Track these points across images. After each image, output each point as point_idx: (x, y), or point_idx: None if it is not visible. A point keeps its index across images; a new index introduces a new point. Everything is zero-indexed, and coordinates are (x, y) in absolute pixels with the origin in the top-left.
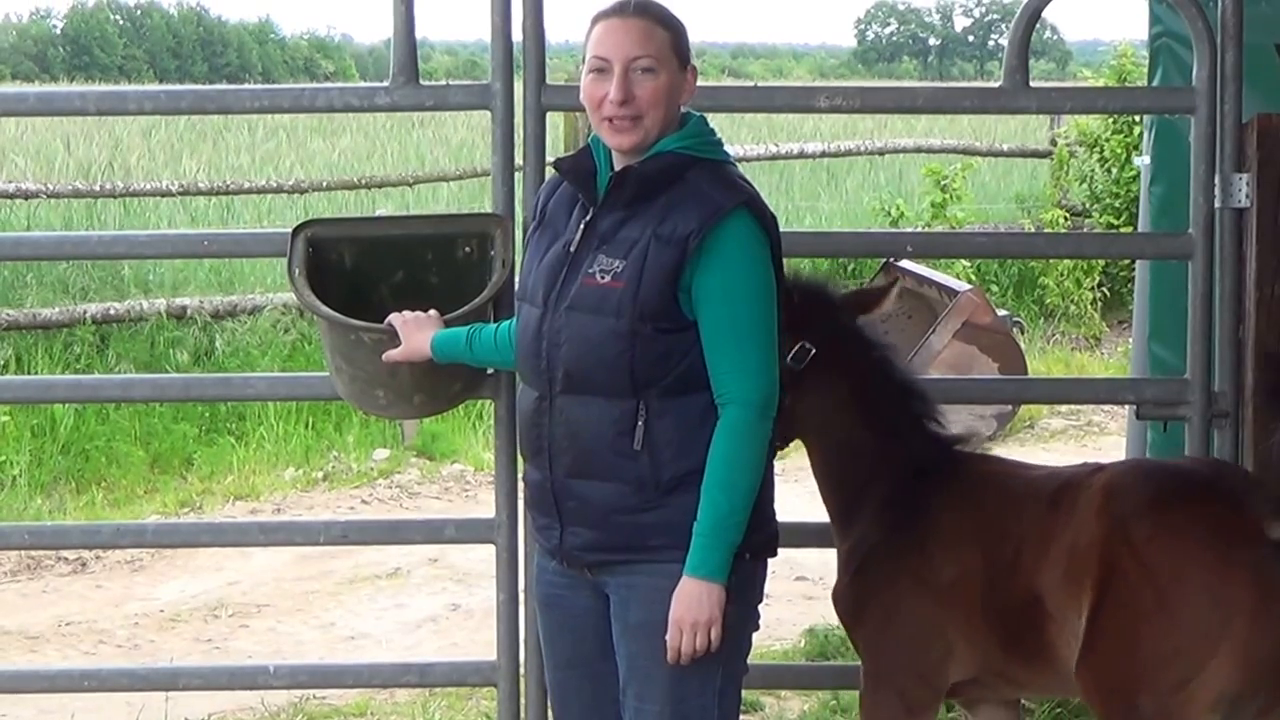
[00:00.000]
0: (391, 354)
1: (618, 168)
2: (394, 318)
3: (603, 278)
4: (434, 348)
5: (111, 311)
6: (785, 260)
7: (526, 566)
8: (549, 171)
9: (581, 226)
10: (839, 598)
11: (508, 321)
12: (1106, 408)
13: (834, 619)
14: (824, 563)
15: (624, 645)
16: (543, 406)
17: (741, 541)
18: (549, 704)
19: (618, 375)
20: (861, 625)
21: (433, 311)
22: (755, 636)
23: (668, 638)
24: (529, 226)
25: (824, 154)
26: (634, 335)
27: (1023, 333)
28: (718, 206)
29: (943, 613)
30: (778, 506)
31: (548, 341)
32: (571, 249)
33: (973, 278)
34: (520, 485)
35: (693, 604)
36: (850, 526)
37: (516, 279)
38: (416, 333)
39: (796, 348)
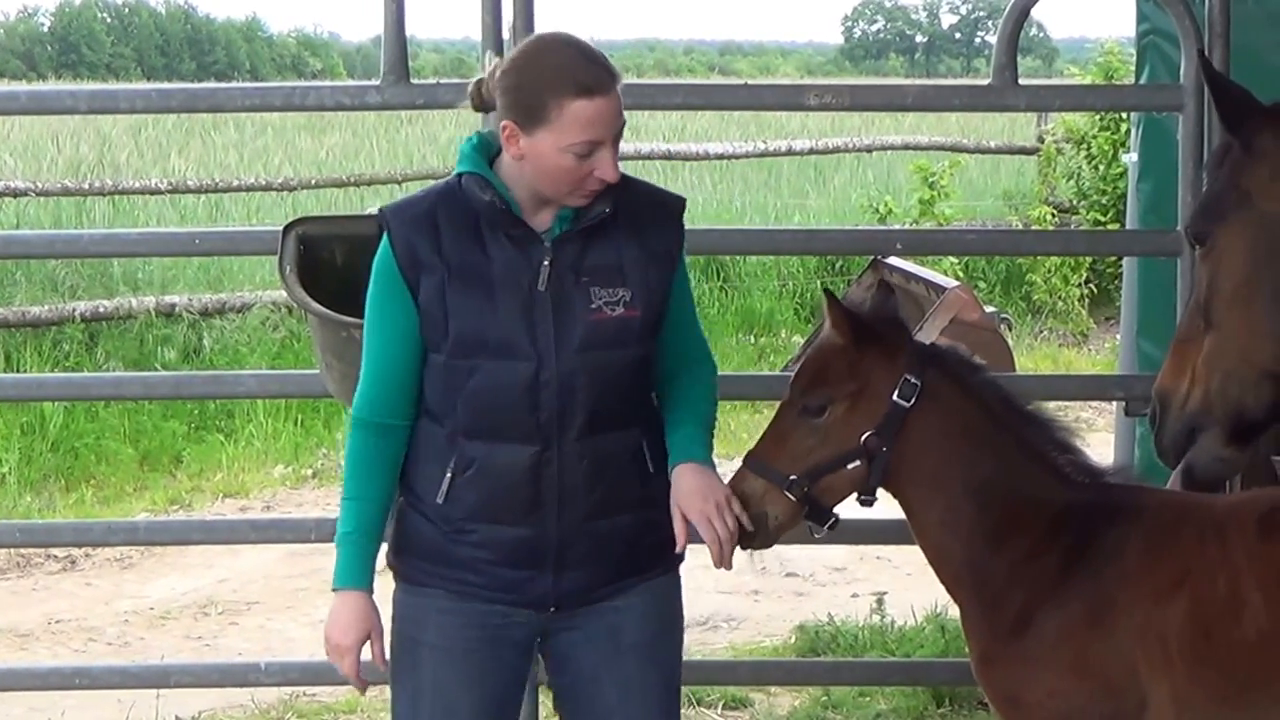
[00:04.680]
0: (347, 671)
1: (535, 203)
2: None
3: (612, 310)
4: (364, 586)
5: (100, 309)
6: (781, 260)
7: None
8: None
9: (547, 263)
10: (990, 670)
11: (370, 474)
12: (1094, 404)
13: (824, 615)
14: (812, 559)
15: (615, 671)
16: (546, 458)
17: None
18: None
19: (634, 403)
20: (1032, 695)
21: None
22: (746, 632)
23: (694, 519)
24: (417, 277)
25: (812, 151)
26: (646, 358)
27: (1010, 329)
28: (676, 210)
29: (1135, 660)
30: None
31: (557, 388)
32: (541, 287)
33: (960, 274)
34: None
35: (714, 485)
36: (988, 586)
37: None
38: (351, 629)
39: (900, 383)
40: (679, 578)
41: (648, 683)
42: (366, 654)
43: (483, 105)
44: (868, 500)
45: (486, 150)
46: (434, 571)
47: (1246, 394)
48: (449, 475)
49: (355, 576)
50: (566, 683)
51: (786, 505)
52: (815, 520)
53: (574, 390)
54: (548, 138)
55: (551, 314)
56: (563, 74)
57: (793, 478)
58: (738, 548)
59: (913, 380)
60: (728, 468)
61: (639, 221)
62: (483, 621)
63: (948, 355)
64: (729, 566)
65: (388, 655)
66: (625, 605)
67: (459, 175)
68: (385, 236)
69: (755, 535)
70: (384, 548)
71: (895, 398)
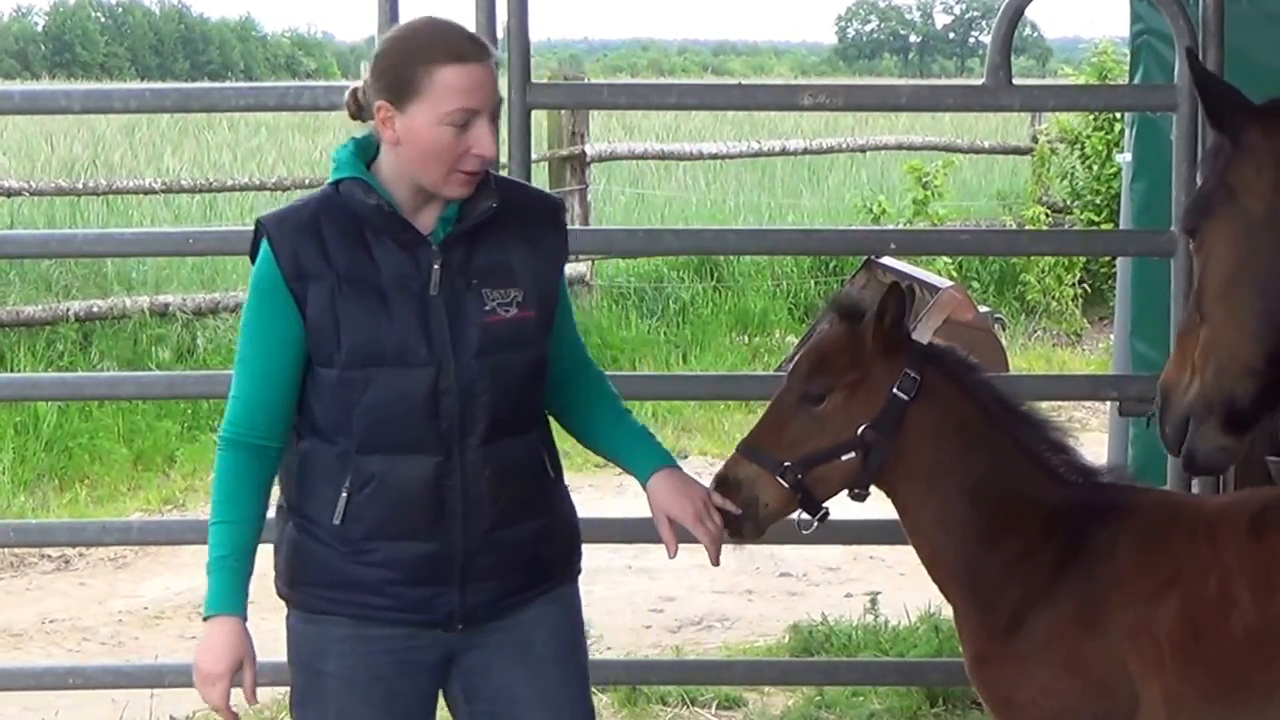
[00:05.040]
0: (217, 700)
1: (416, 203)
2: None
3: (506, 311)
4: (239, 611)
5: (94, 309)
6: (775, 260)
7: None
8: (535, 170)
9: (437, 267)
10: (984, 670)
11: (236, 499)
12: (1088, 404)
13: (818, 614)
14: (806, 558)
15: (535, 687)
16: (448, 468)
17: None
18: None
19: (534, 406)
20: (1025, 694)
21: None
22: (739, 631)
23: (688, 523)
24: (304, 288)
25: (806, 151)
26: (542, 359)
27: (1004, 329)
28: (557, 211)
29: (1127, 659)
30: None
31: (458, 395)
32: (433, 292)
33: (954, 274)
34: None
35: (695, 486)
36: (982, 585)
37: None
38: (224, 656)
39: (901, 377)
40: (578, 587)
41: (573, 696)
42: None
43: (359, 113)
44: (860, 495)
45: (363, 155)
46: (333, 597)
47: (1236, 385)
48: (345, 494)
49: (229, 602)
50: (483, 709)
51: (779, 492)
52: (807, 511)
53: (474, 395)
54: (422, 110)
55: (446, 319)
56: (433, 43)
57: (787, 464)
58: (731, 544)
59: (913, 375)
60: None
61: (523, 221)
62: (387, 647)
63: (945, 354)
64: (718, 563)
65: (261, 685)
66: (532, 619)
67: (336, 183)
68: (266, 247)
69: (744, 523)
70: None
71: (895, 391)
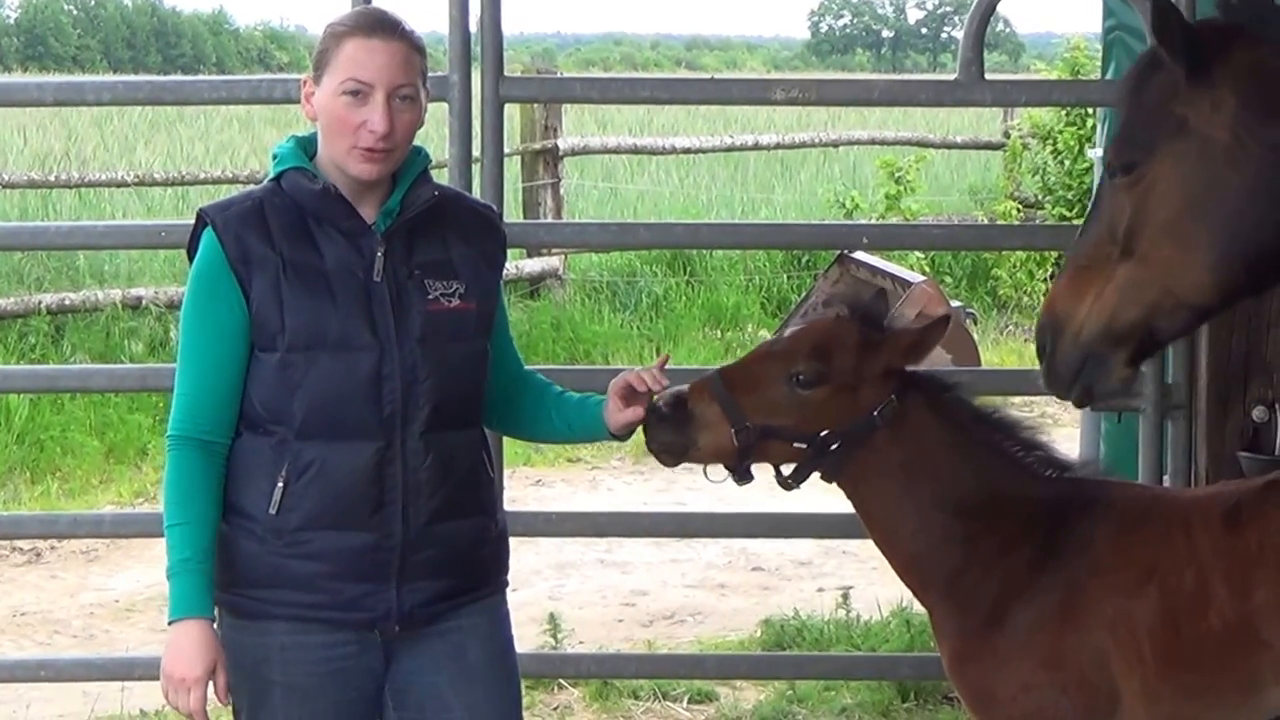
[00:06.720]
0: (194, 707)
1: (352, 192)
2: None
3: (448, 301)
4: (206, 614)
5: (66, 302)
6: (748, 255)
7: None
8: (508, 164)
9: (381, 254)
10: (963, 668)
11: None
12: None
13: (790, 609)
14: (779, 553)
15: (462, 694)
16: (389, 455)
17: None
18: None
19: (474, 402)
20: (1005, 691)
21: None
22: (711, 626)
23: (631, 380)
24: (249, 274)
25: (778, 146)
26: (484, 355)
27: (976, 324)
28: (495, 218)
29: (1105, 653)
30: (735, 495)
31: (400, 380)
32: (377, 278)
33: (926, 269)
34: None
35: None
36: (958, 586)
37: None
38: (197, 660)
39: (885, 404)
40: (507, 601)
41: (501, 708)
42: None
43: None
44: (789, 484)
45: (305, 150)
46: (267, 598)
47: (1162, 321)
48: (281, 484)
49: (196, 604)
50: (412, 716)
51: (722, 443)
52: (734, 471)
53: (416, 382)
54: (328, 82)
55: (389, 304)
56: (349, 20)
57: (749, 425)
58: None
59: (895, 402)
60: None
61: (462, 223)
62: (328, 655)
63: (923, 381)
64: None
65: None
66: (464, 628)
67: (277, 178)
68: (210, 234)
69: (667, 452)
70: None
71: (875, 413)
